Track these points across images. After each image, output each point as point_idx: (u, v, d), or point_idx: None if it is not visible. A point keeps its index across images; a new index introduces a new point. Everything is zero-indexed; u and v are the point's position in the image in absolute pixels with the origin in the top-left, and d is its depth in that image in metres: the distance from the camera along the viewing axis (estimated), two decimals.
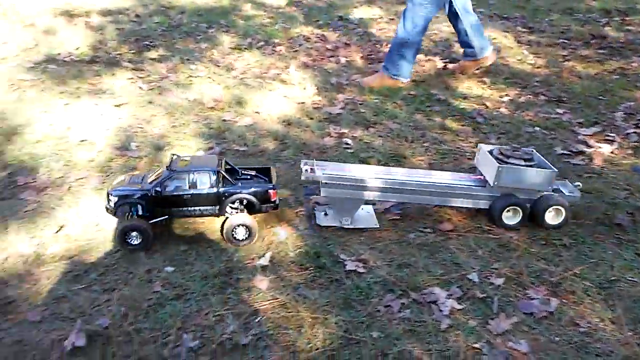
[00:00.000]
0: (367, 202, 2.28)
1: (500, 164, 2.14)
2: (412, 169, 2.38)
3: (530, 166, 2.16)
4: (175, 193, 1.99)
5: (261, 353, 1.60)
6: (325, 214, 2.24)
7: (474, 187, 2.24)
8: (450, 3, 3.52)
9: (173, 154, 2.16)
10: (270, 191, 2.05)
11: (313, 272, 1.97)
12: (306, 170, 2.14)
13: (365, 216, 2.27)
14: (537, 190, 2.18)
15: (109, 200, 2.03)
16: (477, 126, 3.10)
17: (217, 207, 2.03)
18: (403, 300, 1.80)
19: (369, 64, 4.16)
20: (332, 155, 2.78)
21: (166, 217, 2.05)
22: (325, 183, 2.14)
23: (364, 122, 3.21)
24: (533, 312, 1.76)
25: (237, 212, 2.03)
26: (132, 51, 4.15)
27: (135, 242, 1.99)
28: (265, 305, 1.82)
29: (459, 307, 1.77)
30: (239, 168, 2.15)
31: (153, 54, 3.92)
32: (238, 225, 2.00)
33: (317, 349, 1.61)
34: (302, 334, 1.68)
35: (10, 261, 2.00)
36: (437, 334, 1.67)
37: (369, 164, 2.51)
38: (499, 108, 3.34)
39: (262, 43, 4.41)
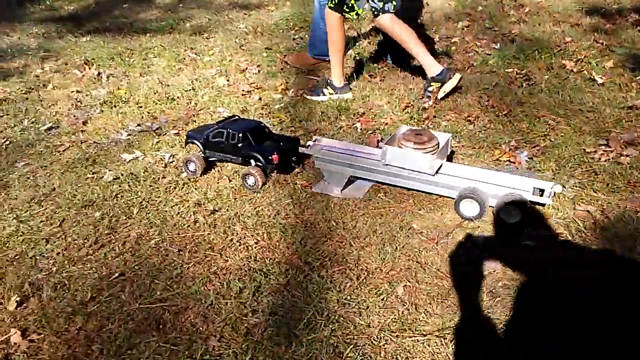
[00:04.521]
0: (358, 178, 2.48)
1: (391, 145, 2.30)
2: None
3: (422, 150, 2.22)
4: (215, 140, 2.61)
5: None
6: (328, 184, 2.46)
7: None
8: None
9: (235, 115, 2.93)
10: (273, 156, 2.48)
11: None
12: (309, 145, 2.51)
13: (358, 190, 2.48)
14: (420, 172, 2.25)
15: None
16: None
17: (240, 158, 2.58)
18: None
19: None
20: None
21: (214, 158, 2.69)
22: (317, 157, 2.46)
23: None
24: None
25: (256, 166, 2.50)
26: None
27: (191, 170, 2.66)
28: None
29: None
30: (277, 136, 2.68)
31: None
32: (247, 174, 2.50)
33: None
34: None
35: None
36: None
37: None
38: None
39: None
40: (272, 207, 2.45)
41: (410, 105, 3.33)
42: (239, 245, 2.21)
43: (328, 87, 3.48)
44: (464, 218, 2.24)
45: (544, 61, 3.76)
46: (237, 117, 2.85)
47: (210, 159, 2.70)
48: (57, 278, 2.09)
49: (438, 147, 2.31)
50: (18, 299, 1.96)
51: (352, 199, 2.47)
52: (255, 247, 2.19)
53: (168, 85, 4.02)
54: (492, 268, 1.99)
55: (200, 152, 2.68)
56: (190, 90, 3.90)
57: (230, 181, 2.69)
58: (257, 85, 3.90)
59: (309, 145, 2.55)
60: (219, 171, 2.79)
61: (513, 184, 2.20)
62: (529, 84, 3.43)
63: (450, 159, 2.60)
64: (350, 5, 3.13)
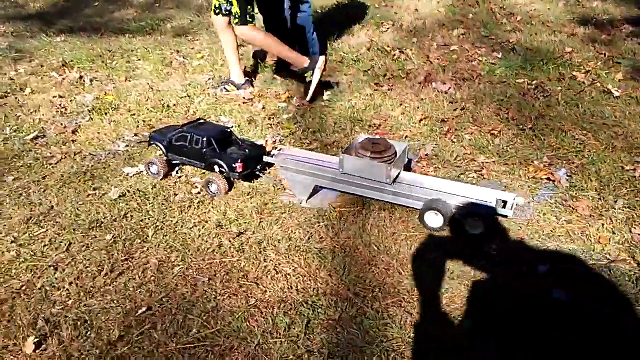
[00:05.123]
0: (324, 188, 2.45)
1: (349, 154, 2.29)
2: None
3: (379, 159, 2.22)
4: (178, 144, 2.58)
5: None
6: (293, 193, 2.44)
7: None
8: None
9: (201, 118, 2.83)
10: (237, 164, 2.45)
11: None
12: (273, 154, 2.53)
13: (324, 199, 2.47)
14: (377, 181, 2.24)
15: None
16: None
17: (203, 164, 2.55)
18: None
19: None
20: None
21: (177, 162, 2.65)
22: (281, 166, 2.46)
23: None
24: None
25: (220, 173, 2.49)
26: None
27: (154, 172, 2.65)
28: None
29: None
30: (243, 142, 2.60)
31: None
32: (210, 181, 2.47)
33: None
34: None
35: None
36: None
37: None
38: None
39: None
40: (303, 229, 2.27)
41: (427, 117, 3.20)
42: (276, 274, 2.02)
43: (229, 85, 3.67)
44: (427, 229, 2.23)
45: (553, 72, 3.72)
46: (203, 121, 2.77)
47: (173, 162, 2.66)
48: (75, 313, 1.86)
49: (395, 157, 2.28)
50: (36, 340, 1.70)
51: (389, 220, 2.30)
52: (294, 276, 2.01)
53: (160, 91, 3.77)
54: (562, 297, 1.86)
55: (163, 155, 2.63)
56: (185, 97, 3.67)
57: (251, 199, 2.48)
58: (257, 93, 3.70)
59: (273, 154, 2.53)
60: (235, 187, 2.58)
61: (475, 195, 2.18)
62: (545, 96, 3.37)
63: (408, 168, 2.57)
64: (251, 15, 3.34)
